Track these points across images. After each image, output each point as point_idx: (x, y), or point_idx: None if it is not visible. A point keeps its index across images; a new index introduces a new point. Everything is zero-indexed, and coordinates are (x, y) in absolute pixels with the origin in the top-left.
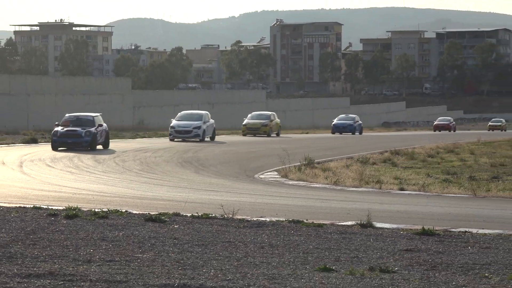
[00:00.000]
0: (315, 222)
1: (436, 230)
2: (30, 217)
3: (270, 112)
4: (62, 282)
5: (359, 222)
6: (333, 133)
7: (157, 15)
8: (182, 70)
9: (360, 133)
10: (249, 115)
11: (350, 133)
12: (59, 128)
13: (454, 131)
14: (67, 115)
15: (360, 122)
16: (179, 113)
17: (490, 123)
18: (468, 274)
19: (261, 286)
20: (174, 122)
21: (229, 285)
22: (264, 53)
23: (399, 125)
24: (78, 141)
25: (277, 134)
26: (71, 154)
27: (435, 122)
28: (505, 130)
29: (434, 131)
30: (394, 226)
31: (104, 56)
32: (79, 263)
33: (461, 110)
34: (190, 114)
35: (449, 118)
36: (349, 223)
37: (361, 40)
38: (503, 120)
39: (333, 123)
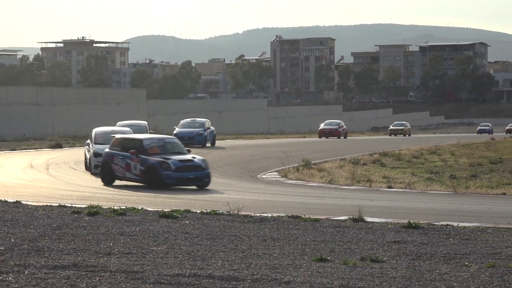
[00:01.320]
0: (312, 217)
1: (421, 223)
2: (56, 214)
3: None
4: (85, 273)
5: (351, 217)
6: None
7: (169, 32)
8: (192, 82)
9: (213, 144)
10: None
11: (200, 146)
12: (162, 159)
13: (345, 137)
14: (146, 137)
15: (212, 128)
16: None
17: (391, 127)
18: (450, 263)
19: (263, 275)
20: (95, 147)
21: (235, 274)
22: (265, 66)
23: (386, 129)
24: (200, 175)
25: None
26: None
27: (321, 126)
28: (409, 135)
29: (320, 137)
30: (383, 220)
31: (121, 69)
32: (100, 256)
33: (443, 116)
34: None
35: (339, 121)
36: (343, 218)
37: (352, 54)
38: (407, 124)
39: (174, 131)
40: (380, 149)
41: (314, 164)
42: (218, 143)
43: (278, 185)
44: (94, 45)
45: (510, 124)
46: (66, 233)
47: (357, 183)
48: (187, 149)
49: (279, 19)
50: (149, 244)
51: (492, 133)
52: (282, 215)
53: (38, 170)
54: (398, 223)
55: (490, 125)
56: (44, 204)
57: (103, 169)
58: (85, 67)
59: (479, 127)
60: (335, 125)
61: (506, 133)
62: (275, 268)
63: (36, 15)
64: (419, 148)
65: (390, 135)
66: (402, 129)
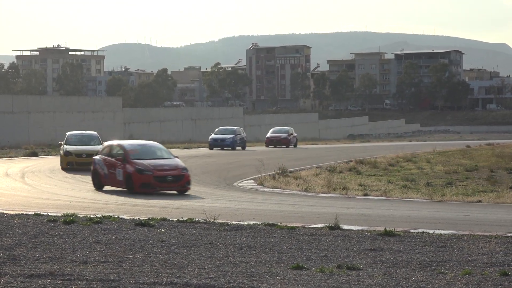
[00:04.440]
0: (288, 225)
1: (397, 231)
2: (32, 223)
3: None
4: (61, 281)
5: (328, 224)
6: None
7: (145, 40)
8: (167, 90)
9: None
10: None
11: None
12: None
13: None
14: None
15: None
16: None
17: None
18: (426, 271)
19: (240, 283)
20: None
21: (211, 283)
22: (241, 74)
23: (362, 137)
24: None
25: None
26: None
27: (269, 134)
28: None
29: (267, 146)
30: (359, 228)
31: (97, 77)
32: (76, 264)
33: (418, 123)
34: None
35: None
36: (319, 225)
37: (328, 61)
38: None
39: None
40: (356, 156)
41: (290, 172)
42: (193, 151)
43: (255, 193)
44: (70, 53)
45: (272, 131)
46: (42, 242)
47: (333, 190)
48: None
49: (254, 27)
50: (126, 252)
51: (293, 145)
52: (258, 223)
53: (14, 178)
54: (374, 230)
55: (290, 131)
56: (20, 212)
57: None
58: (61, 75)
59: (269, 134)
60: (283, 132)
61: (267, 146)
62: (252, 276)
63: (11, 22)
64: (395, 156)
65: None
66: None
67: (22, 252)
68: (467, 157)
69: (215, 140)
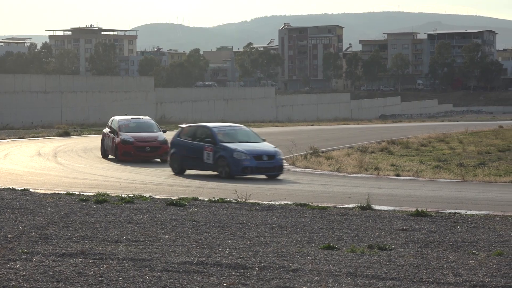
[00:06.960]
0: (320, 205)
1: (429, 211)
2: (64, 202)
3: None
4: (92, 260)
5: (359, 205)
6: None
7: (177, 20)
8: (200, 70)
9: None
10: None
11: None
12: None
13: None
14: None
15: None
16: None
17: None
18: (457, 251)
19: (271, 262)
20: None
21: (242, 262)
22: (273, 54)
23: (394, 117)
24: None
25: None
26: (99, 145)
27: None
28: None
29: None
30: (391, 208)
31: (129, 57)
32: (107, 243)
33: (451, 104)
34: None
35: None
36: (350, 206)
37: (360, 41)
38: None
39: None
40: (388, 137)
41: (322, 152)
42: None
43: (286, 173)
44: (102, 33)
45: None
46: (74, 221)
47: (365, 171)
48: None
49: (287, 7)
50: (157, 232)
51: None
52: (289, 203)
53: (46, 158)
54: (406, 211)
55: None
56: (52, 192)
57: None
58: (93, 55)
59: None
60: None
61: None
62: (283, 256)
63: (44, 3)
64: (427, 136)
65: None
66: None
67: (54, 231)
68: (499, 137)
69: None
